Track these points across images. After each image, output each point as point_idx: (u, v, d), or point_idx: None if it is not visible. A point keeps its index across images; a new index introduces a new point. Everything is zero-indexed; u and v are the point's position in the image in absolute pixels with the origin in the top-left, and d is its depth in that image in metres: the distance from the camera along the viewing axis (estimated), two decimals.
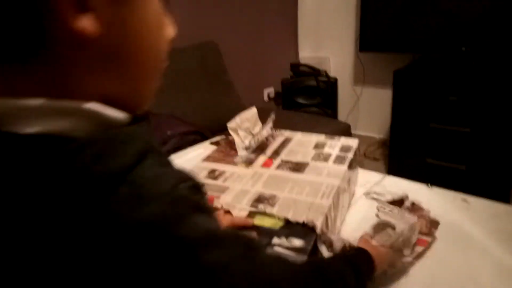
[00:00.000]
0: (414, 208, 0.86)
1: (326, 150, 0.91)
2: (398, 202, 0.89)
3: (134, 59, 0.33)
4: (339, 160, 0.86)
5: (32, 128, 0.28)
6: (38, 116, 0.28)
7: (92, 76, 0.31)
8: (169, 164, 0.33)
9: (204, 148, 1.24)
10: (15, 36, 0.27)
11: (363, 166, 1.06)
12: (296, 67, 2.87)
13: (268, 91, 2.99)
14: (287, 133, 1.02)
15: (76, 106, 0.30)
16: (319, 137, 0.98)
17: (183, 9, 2.24)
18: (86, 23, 0.28)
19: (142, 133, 0.32)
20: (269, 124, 0.98)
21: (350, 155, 0.88)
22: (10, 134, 0.28)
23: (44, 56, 0.29)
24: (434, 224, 0.81)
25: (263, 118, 1.04)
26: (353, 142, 0.94)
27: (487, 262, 0.74)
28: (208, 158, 0.91)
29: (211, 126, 1.83)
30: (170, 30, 0.38)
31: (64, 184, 0.26)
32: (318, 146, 0.93)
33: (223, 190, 0.76)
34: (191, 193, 0.31)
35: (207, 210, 0.32)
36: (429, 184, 1.01)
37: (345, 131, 2.22)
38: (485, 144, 2.05)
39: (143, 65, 0.34)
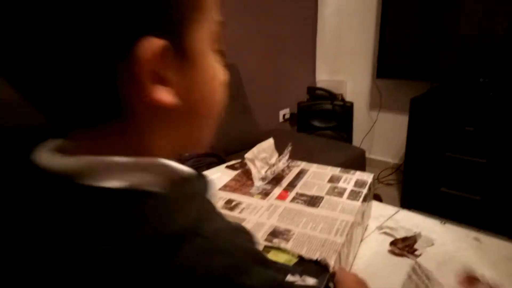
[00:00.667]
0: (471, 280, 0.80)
1: (341, 184, 0.93)
2: (411, 240, 0.90)
3: (200, 114, 0.37)
4: (354, 195, 0.88)
5: (114, 183, 0.31)
6: (121, 172, 0.31)
7: (165, 134, 0.35)
8: (222, 216, 0.35)
9: (221, 172, 1.27)
10: (102, 105, 0.31)
11: (376, 191, 1.08)
12: (312, 90, 2.91)
13: (284, 113, 3.02)
14: (302, 164, 1.05)
15: (152, 162, 0.33)
16: (334, 170, 1.00)
17: None
18: (164, 95, 0.31)
19: (203, 188, 0.35)
20: (286, 155, 1.00)
21: (364, 191, 0.90)
22: (95, 188, 0.30)
23: (124, 120, 0.32)
24: None
25: (279, 139, 1.06)
26: (368, 177, 0.96)
27: None
28: (225, 187, 0.94)
29: (226, 148, 1.86)
30: (223, 75, 0.40)
31: (141, 236, 0.28)
32: (333, 179, 0.95)
33: (239, 222, 0.78)
34: (251, 245, 0.33)
35: (266, 260, 0.34)
36: (443, 222, 1.02)
37: (360, 157, 2.23)
38: (501, 176, 2.03)
39: (206, 117, 0.38)
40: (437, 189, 2.22)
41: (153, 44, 0.29)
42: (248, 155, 0.98)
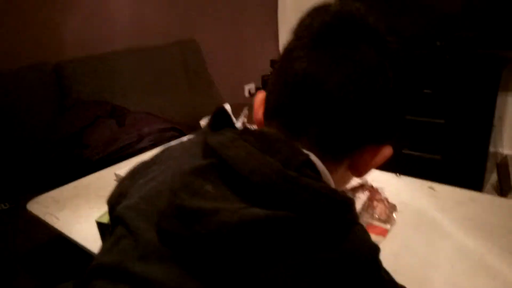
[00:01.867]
0: (373, 192, 0.88)
1: None
2: (359, 188, 0.92)
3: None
4: None
5: None
6: None
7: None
8: None
9: None
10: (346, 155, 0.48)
11: None
12: (276, 63, 2.89)
13: (249, 87, 3.01)
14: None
15: None
16: None
17: (163, 7, 2.24)
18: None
19: None
20: (242, 119, 1.00)
21: None
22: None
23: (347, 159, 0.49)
24: (392, 209, 0.83)
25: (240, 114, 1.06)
26: None
27: (447, 245, 0.77)
28: None
29: (191, 124, 1.85)
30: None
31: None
32: None
33: None
34: None
35: None
36: (397, 174, 1.05)
37: None
38: (459, 135, 2.11)
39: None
40: (400, 151, 2.27)
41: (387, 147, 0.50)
42: (203, 121, 0.97)
